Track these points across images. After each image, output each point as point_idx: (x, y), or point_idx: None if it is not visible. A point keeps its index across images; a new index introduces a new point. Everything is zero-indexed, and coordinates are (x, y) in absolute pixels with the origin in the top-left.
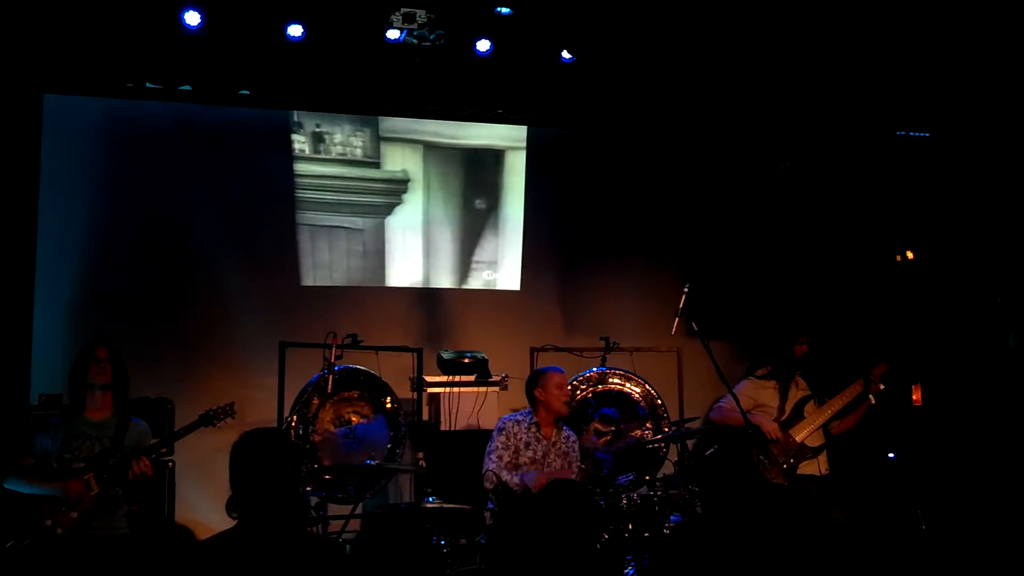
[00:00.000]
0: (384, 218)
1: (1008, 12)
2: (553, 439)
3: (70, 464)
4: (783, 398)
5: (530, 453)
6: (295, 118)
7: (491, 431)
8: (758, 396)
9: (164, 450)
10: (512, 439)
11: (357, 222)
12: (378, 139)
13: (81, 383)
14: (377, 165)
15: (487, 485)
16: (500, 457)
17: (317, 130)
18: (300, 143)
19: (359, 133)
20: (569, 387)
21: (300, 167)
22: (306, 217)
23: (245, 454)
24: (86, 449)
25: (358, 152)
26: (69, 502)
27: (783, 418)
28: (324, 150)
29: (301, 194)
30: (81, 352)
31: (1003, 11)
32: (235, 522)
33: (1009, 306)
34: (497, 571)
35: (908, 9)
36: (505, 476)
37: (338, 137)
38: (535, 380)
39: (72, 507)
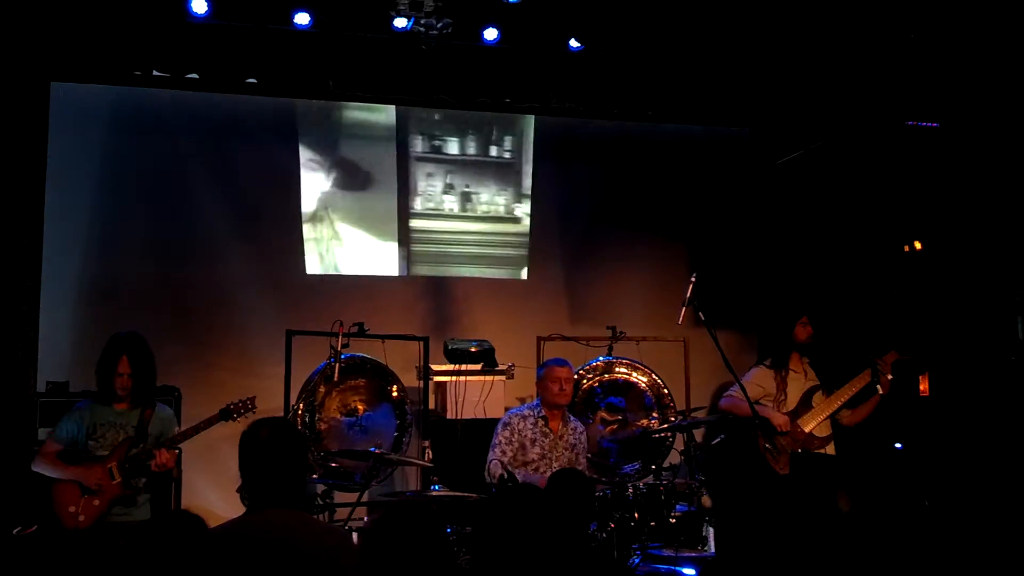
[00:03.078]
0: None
1: (1018, 2)
2: (560, 432)
3: (95, 452)
4: (783, 383)
5: (537, 449)
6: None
7: (497, 420)
8: (767, 385)
9: (186, 439)
10: (516, 434)
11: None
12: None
13: (105, 381)
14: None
15: (488, 479)
16: (504, 452)
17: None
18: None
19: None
20: (569, 380)
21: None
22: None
23: (254, 443)
24: (111, 437)
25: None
26: (92, 490)
27: (791, 408)
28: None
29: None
30: (106, 352)
31: (1013, 1)
32: (242, 509)
33: (1018, 296)
34: (487, 558)
35: None
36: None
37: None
38: (539, 371)
39: (95, 495)
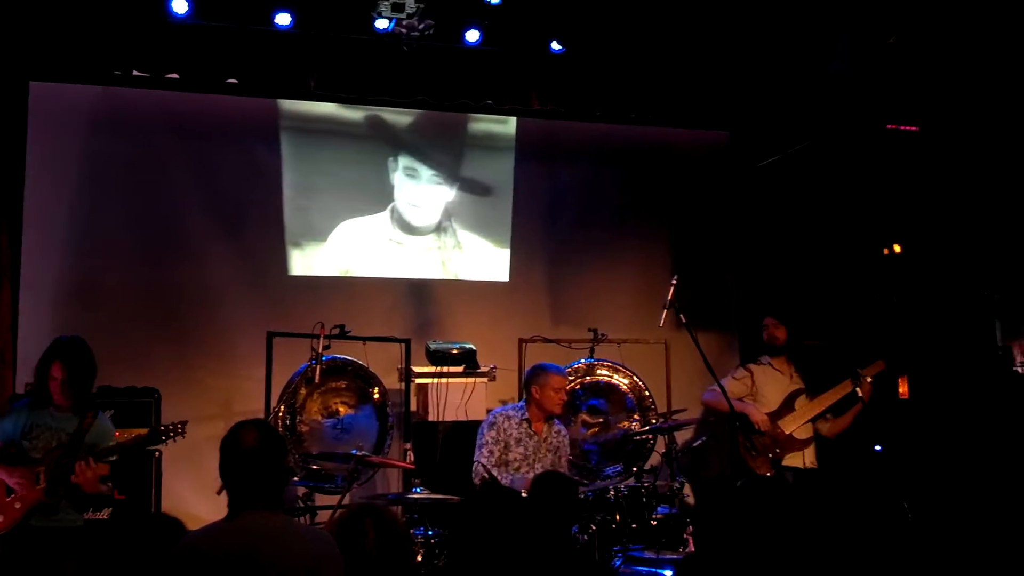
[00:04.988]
0: None
1: (998, 7)
2: (544, 435)
3: (29, 453)
4: (753, 382)
5: (520, 449)
6: None
7: (479, 422)
8: (749, 384)
9: (115, 458)
10: (502, 434)
11: None
12: None
13: (41, 384)
14: None
15: (476, 480)
16: (491, 452)
17: None
18: None
19: None
20: (566, 388)
21: None
22: None
23: (235, 446)
24: (44, 440)
25: None
26: (15, 492)
27: (773, 409)
28: None
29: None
30: (43, 356)
31: (993, 6)
32: (224, 512)
33: (996, 299)
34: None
35: (898, 2)
36: (494, 472)
37: None
38: (535, 376)
39: (17, 498)
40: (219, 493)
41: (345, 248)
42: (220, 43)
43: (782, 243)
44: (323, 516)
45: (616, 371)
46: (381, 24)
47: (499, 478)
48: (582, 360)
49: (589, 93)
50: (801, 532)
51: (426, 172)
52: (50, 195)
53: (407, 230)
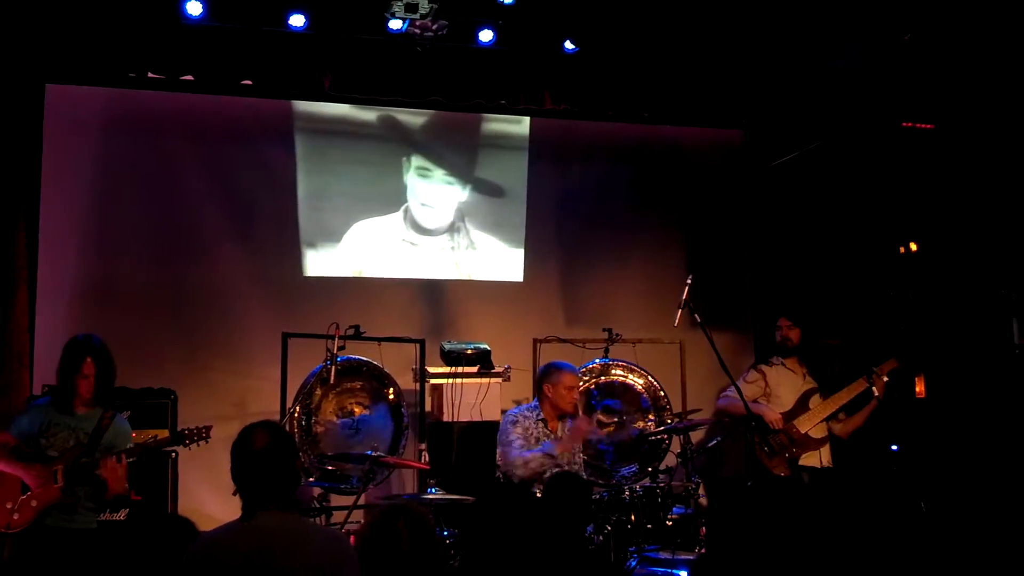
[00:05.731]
0: None
1: (1014, 4)
2: (560, 433)
3: (44, 451)
4: (766, 383)
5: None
6: None
7: (494, 422)
8: (763, 384)
9: (132, 459)
10: (524, 431)
11: None
12: None
13: (68, 383)
14: None
15: (522, 472)
16: (522, 446)
17: None
18: None
19: None
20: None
21: None
22: None
23: (247, 449)
24: (61, 440)
25: None
26: (32, 490)
27: (787, 408)
28: None
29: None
30: (68, 354)
31: (1009, 2)
32: (238, 512)
33: (1012, 298)
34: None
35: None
36: (527, 455)
37: None
38: (547, 374)
39: (34, 496)
40: (235, 494)
41: (359, 249)
42: (234, 45)
43: (797, 242)
44: (338, 516)
45: (631, 371)
46: (395, 25)
47: (529, 457)
48: (597, 360)
49: (602, 92)
50: (815, 532)
51: (439, 172)
52: (66, 197)
53: (421, 230)
